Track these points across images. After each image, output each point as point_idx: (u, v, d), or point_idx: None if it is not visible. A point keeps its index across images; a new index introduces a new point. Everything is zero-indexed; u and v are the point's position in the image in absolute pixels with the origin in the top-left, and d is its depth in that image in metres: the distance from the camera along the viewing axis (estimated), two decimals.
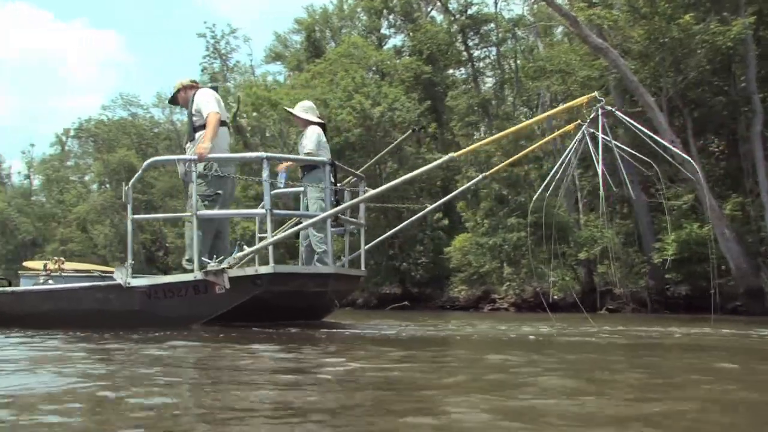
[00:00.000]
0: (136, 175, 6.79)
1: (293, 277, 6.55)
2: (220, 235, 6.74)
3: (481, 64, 26.07)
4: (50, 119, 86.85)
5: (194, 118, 6.73)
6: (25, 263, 8.12)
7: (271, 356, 4.27)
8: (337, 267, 6.98)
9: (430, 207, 9.96)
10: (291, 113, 7.70)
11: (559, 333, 6.50)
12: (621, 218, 18.72)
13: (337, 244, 10.48)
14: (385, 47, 26.87)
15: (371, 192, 6.87)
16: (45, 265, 7.29)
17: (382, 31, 27.78)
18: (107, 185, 35.49)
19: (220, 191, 6.57)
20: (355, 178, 7.75)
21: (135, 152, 32.40)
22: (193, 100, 6.77)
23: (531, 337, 6.11)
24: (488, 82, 26.07)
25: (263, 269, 6.26)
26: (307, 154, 6.99)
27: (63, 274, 7.10)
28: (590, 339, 5.99)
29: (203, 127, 6.50)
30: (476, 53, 25.67)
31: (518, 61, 23.06)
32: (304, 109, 7.45)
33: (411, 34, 25.35)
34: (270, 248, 6.35)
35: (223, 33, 31.63)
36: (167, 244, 29.78)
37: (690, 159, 6.69)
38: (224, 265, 6.08)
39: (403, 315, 14.33)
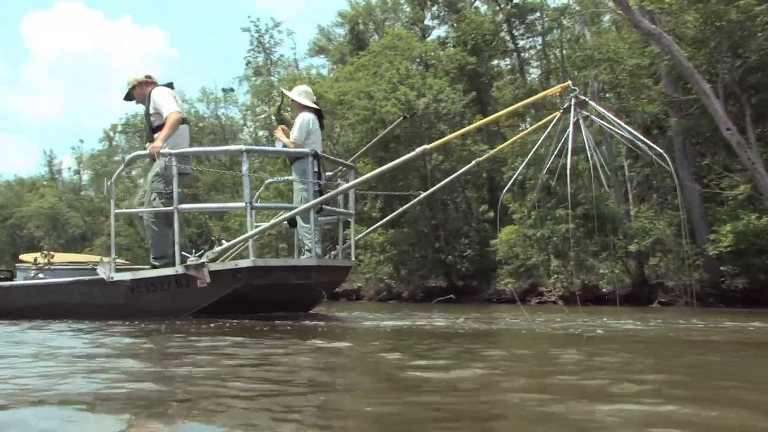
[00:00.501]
0: (118, 171, 7.00)
1: (274, 270, 6.61)
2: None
3: (527, 55, 25.67)
4: (98, 115, 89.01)
5: (152, 119, 6.72)
6: (21, 256, 8.36)
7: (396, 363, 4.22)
8: (321, 258, 6.94)
9: (421, 195, 9.78)
10: (286, 95, 7.66)
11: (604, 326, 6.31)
12: (672, 209, 18.23)
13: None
14: (428, 39, 26.67)
15: (349, 184, 6.83)
16: (35, 259, 7.52)
17: (426, 22, 27.57)
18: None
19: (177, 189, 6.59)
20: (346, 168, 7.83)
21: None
22: (149, 99, 6.72)
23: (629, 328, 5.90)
24: (533, 72, 25.69)
25: (243, 263, 6.35)
26: (294, 142, 7.00)
27: (53, 267, 7.41)
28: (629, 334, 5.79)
29: (162, 127, 6.51)
30: (522, 43, 25.29)
31: (564, 51, 22.62)
32: (299, 93, 7.34)
33: (455, 24, 25.09)
34: (251, 242, 6.54)
35: (267, 27, 31.84)
36: (212, 238, 30.11)
37: (662, 152, 6.59)
38: (203, 259, 6.20)
39: (451, 308, 14.21)
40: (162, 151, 6.44)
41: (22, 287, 7.19)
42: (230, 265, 6.44)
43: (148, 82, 6.94)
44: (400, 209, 10.65)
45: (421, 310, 11.94)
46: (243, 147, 6.63)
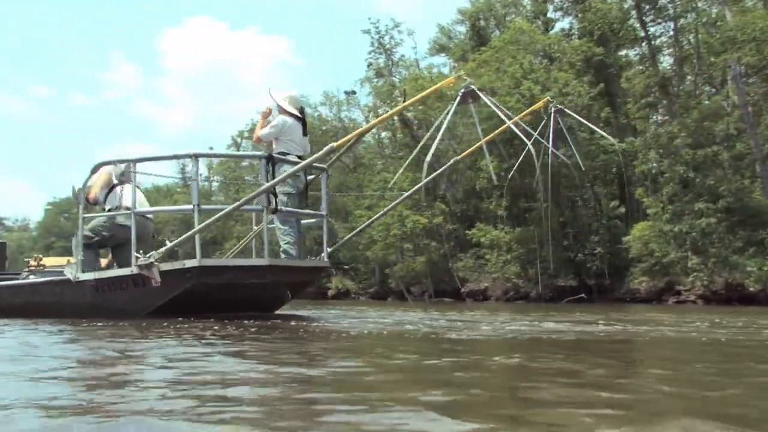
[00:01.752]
0: (86, 178, 7.07)
1: (224, 270, 6.65)
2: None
3: (658, 42, 24.35)
4: (227, 122, 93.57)
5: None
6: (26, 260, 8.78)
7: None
8: (276, 259, 6.90)
9: (400, 199, 9.53)
10: (270, 96, 7.56)
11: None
12: None
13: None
14: (552, 31, 25.95)
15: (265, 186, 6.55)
16: (27, 263, 7.85)
17: (549, 14, 26.85)
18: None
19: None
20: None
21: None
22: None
23: None
24: (665, 60, 24.33)
25: (189, 263, 6.43)
26: (260, 136, 7.13)
27: (44, 269, 7.75)
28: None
29: None
30: (652, 30, 23.99)
31: (699, 35, 21.26)
32: (284, 97, 7.33)
33: (580, 14, 24.25)
34: (197, 242, 6.57)
35: (387, 28, 32.14)
36: (338, 239, 30.78)
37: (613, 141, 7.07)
38: (150, 259, 6.31)
39: (582, 307, 13.74)
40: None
41: (6, 288, 7.55)
42: (178, 264, 6.58)
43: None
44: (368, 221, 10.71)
45: (551, 310, 11.61)
46: (191, 152, 6.63)
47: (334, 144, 6.56)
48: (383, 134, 30.77)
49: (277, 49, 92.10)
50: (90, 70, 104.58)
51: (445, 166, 9.10)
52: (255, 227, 7.52)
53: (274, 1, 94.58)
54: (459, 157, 9.54)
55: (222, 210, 6.88)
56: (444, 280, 23.40)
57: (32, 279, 7.62)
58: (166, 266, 6.43)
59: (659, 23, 24.11)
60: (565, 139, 6.93)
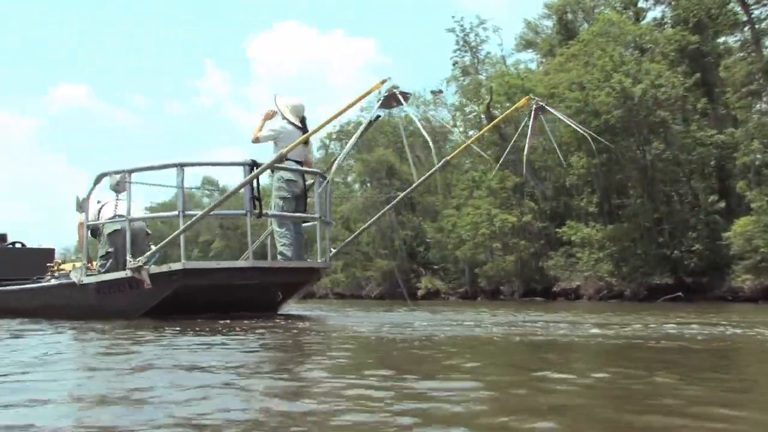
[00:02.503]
0: (89, 189, 7.33)
1: (207, 272, 6.86)
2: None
3: (764, 25, 23.02)
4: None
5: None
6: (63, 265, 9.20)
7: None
8: (262, 261, 7.17)
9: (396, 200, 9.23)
10: (274, 102, 7.63)
11: None
12: None
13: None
14: (643, 21, 25.06)
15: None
16: (49, 267, 8.21)
17: (640, 4, 25.93)
18: (368, 184, 37.67)
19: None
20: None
21: (392, 150, 33.92)
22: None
23: None
24: None
25: (175, 266, 6.65)
26: (257, 136, 7.36)
27: (60, 273, 8.01)
28: None
29: None
30: (756, 12, 22.71)
31: None
32: (286, 105, 7.45)
33: (674, 2, 23.30)
34: (182, 245, 6.89)
35: (472, 25, 31.96)
36: (428, 239, 30.84)
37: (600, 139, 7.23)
38: (138, 263, 6.55)
39: (678, 307, 13.25)
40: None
41: (21, 291, 8.03)
42: (165, 268, 6.78)
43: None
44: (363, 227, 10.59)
45: (646, 310, 11.28)
46: (177, 162, 6.79)
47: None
48: (470, 132, 30.65)
49: (364, 51, 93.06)
50: (184, 79, 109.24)
51: (435, 168, 9.08)
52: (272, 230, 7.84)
53: (360, 2, 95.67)
54: (448, 157, 9.57)
55: (199, 213, 7.13)
56: (534, 279, 23.08)
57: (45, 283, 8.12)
58: (154, 269, 6.76)
59: (765, 5, 22.78)
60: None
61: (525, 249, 23.52)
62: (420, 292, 27.68)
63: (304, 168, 7.57)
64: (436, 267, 29.25)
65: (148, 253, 6.95)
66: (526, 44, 31.95)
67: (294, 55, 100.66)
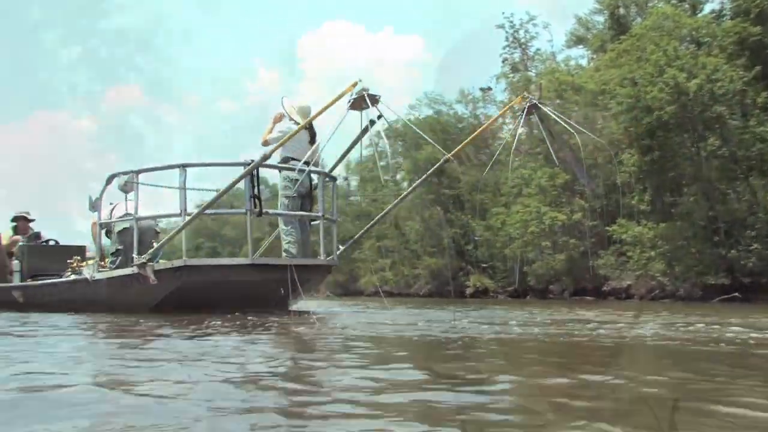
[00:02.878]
0: (101, 189, 7.65)
1: (207, 269, 7.13)
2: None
3: None
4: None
5: None
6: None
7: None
8: (260, 258, 7.48)
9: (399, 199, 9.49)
10: (282, 105, 8.01)
11: None
12: None
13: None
14: (700, 14, 24.34)
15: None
16: (69, 264, 8.43)
17: None
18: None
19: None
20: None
21: (441, 148, 33.77)
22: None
23: None
24: None
25: (177, 262, 6.97)
26: (266, 139, 7.70)
27: (80, 269, 8.26)
28: None
29: None
30: None
31: None
32: (294, 107, 7.86)
33: None
34: (183, 243, 7.32)
35: (522, 21, 31.61)
36: (476, 237, 30.64)
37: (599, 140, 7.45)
38: (143, 260, 6.86)
39: (741, 308, 12.87)
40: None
41: (47, 285, 8.33)
42: (168, 264, 7.06)
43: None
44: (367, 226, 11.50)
45: (701, 310, 11.00)
46: (180, 163, 7.14)
47: (267, 152, 7.22)
48: (520, 130, 30.37)
49: (412, 48, 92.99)
50: (235, 78, 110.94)
51: (435, 166, 9.62)
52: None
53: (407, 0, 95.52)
54: (448, 155, 9.63)
55: (195, 213, 7.48)
56: (585, 277, 22.71)
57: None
58: (159, 266, 7.07)
59: None
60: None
61: (575, 247, 23.17)
62: (468, 291, 27.55)
63: (323, 171, 8.11)
64: (484, 265, 29.05)
65: (152, 250, 7.29)
66: (577, 40, 31.42)
67: (343, 54, 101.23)
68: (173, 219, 8.60)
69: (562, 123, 8.87)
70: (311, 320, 6.02)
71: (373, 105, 7.31)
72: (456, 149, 11.66)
